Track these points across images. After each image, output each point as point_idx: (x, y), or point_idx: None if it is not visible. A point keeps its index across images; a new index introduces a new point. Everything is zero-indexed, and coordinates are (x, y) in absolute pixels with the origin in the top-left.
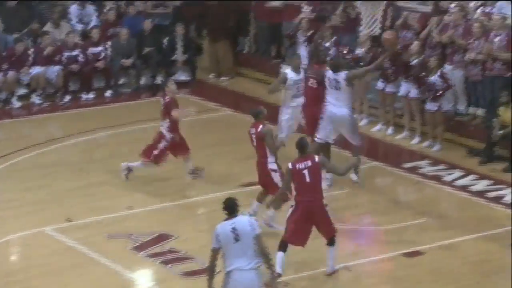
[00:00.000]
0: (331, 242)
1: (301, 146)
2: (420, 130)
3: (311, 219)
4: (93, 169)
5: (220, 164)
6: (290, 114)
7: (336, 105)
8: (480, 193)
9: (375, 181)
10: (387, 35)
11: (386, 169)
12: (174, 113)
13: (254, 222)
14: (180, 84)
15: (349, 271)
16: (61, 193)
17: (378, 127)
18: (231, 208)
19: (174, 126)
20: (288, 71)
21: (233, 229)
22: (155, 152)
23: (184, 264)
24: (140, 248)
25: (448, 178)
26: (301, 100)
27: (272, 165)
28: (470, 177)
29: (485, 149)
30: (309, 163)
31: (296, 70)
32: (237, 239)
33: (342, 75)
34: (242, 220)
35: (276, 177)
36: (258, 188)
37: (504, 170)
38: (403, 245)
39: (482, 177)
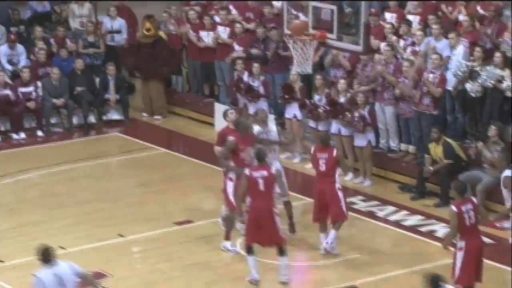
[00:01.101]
0: (281, 252)
1: (259, 156)
2: (352, 167)
3: (261, 223)
4: (25, 209)
5: (154, 202)
6: None
7: None
8: (413, 228)
9: (310, 217)
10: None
11: None
12: (215, 148)
13: (74, 265)
14: (113, 123)
15: None
16: None
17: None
18: (47, 257)
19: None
20: (255, 127)
21: (55, 274)
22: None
23: None
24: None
25: (381, 214)
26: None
27: (338, 185)
28: (403, 213)
29: (417, 185)
30: (265, 173)
31: (263, 124)
32: (61, 284)
33: None
34: (63, 266)
35: (341, 195)
36: (194, 225)
37: (435, 205)
38: (338, 281)
39: (414, 212)
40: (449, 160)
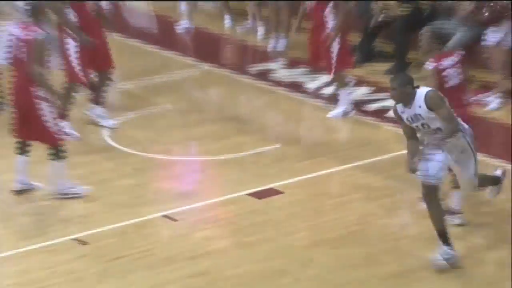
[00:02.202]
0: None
1: (32, 12)
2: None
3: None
4: None
5: None
6: None
7: None
8: (356, 106)
9: (209, 91)
10: None
11: (226, 75)
12: None
13: None
14: None
15: (174, 221)
16: None
17: None
18: None
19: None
20: None
21: None
22: None
23: None
24: None
25: (312, 86)
26: None
27: None
28: None
29: (361, 44)
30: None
31: None
32: None
33: None
34: None
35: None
36: None
37: (387, 72)
38: (250, 183)
39: (358, 82)
40: (406, 8)
